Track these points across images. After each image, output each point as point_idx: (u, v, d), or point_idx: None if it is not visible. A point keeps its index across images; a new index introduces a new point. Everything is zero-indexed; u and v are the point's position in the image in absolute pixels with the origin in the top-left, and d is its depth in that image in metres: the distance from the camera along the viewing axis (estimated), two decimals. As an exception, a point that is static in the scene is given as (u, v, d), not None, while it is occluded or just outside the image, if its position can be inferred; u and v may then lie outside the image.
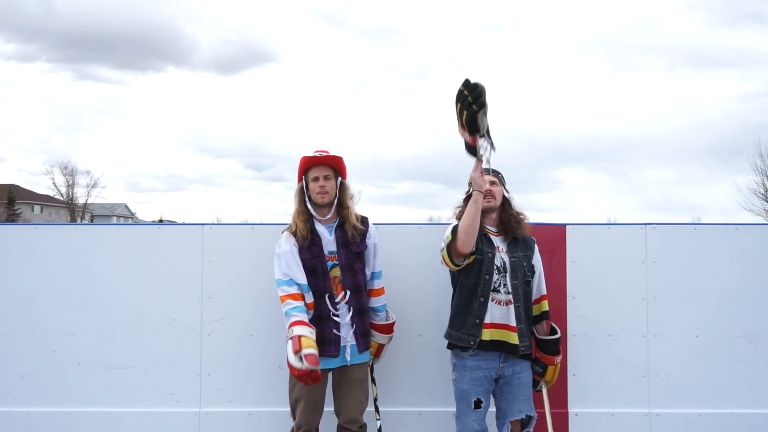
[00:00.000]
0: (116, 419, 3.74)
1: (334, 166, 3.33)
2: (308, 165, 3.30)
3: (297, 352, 2.97)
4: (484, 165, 3.08)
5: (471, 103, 2.89)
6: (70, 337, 3.77)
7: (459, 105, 2.95)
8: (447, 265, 3.19)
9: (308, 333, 3.05)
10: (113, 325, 3.77)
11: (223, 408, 3.75)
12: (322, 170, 3.29)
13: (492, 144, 3.03)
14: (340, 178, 3.34)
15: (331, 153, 3.33)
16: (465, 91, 2.92)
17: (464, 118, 2.93)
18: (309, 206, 3.29)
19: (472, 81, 2.91)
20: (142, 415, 3.74)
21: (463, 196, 3.32)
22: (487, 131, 2.99)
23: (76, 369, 3.76)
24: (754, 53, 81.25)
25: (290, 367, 3.01)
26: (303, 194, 3.32)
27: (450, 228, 3.17)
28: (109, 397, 3.76)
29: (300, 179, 3.34)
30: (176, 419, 3.74)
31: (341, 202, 3.34)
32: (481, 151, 3.02)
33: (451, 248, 3.12)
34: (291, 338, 3.03)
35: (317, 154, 3.30)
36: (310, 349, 2.98)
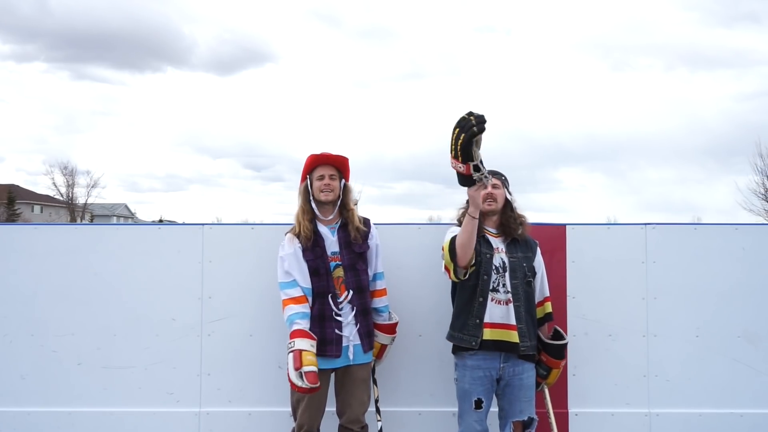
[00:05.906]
0: (116, 419, 3.74)
1: (339, 166, 3.36)
2: (315, 163, 3.33)
3: (298, 368, 2.99)
4: (487, 187, 3.07)
5: (473, 125, 2.80)
6: (70, 337, 3.77)
7: (457, 130, 2.84)
8: (451, 278, 3.20)
9: (309, 347, 3.06)
10: (113, 325, 3.77)
11: (223, 408, 3.75)
12: (328, 169, 3.32)
13: (486, 174, 2.93)
14: (344, 180, 3.36)
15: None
16: (470, 118, 2.82)
17: (461, 141, 2.82)
18: (313, 205, 3.31)
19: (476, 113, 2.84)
20: (142, 415, 3.74)
21: (466, 198, 3.31)
22: (481, 162, 2.89)
23: (76, 369, 3.76)
24: (750, 53, 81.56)
25: (290, 381, 3.03)
26: (307, 192, 3.33)
27: (447, 241, 3.15)
28: (109, 397, 3.75)
29: (304, 178, 3.36)
30: (176, 419, 3.74)
31: (344, 203, 3.36)
32: (480, 174, 2.90)
33: (452, 262, 3.12)
34: (292, 351, 3.04)
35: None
36: (311, 366, 3.00)
